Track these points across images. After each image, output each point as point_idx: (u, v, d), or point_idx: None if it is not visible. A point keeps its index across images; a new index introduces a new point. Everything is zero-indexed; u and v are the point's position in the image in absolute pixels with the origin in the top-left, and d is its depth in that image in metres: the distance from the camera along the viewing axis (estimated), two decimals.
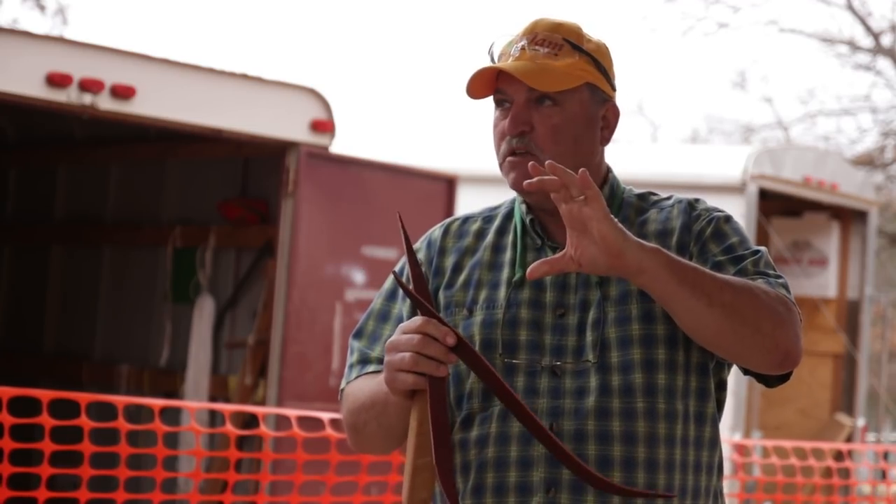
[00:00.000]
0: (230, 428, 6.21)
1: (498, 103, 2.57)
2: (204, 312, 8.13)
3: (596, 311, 2.49)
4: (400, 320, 2.58)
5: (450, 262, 2.62)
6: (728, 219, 2.56)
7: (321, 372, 7.49)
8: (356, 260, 7.69)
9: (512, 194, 2.63)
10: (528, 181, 2.32)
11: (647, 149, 15.58)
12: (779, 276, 2.49)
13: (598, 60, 2.56)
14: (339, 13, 47.92)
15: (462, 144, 11.60)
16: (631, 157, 10.49)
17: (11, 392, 5.49)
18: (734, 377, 7.86)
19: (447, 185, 8.05)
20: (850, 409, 11.03)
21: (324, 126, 7.55)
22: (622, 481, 2.43)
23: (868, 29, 21.73)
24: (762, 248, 2.54)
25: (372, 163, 7.89)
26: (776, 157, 10.19)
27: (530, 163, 2.33)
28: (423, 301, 2.39)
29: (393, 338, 2.38)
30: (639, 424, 2.46)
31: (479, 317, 2.54)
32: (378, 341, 2.61)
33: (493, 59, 2.60)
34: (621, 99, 2.64)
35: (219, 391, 7.98)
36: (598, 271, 2.33)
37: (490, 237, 2.63)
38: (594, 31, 2.62)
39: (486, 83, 2.55)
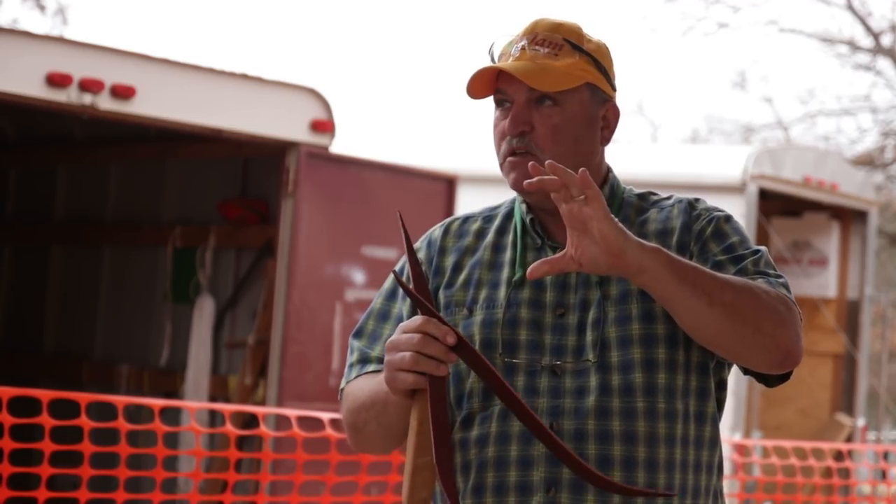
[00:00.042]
0: (230, 428, 6.21)
1: (498, 103, 2.57)
2: (204, 312, 8.13)
3: (596, 310, 2.50)
4: (400, 320, 2.58)
5: (450, 261, 2.62)
6: (728, 218, 2.56)
7: (321, 372, 7.49)
8: (356, 260, 7.69)
9: (512, 194, 2.63)
10: (529, 181, 2.32)
11: (647, 149, 15.58)
12: (779, 276, 2.49)
13: (598, 60, 2.57)
14: (339, 13, 47.93)
15: (462, 144, 11.60)
16: (631, 157, 10.49)
17: (11, 392, 5.49)
18: (734, 377, 7.86)
19: (447, 185, 8.05)
20: (850, 409, 11.03)
21: (324, 126, 7.55)
22: (622, 481, 2.43)
23: (868, 29, 21.74)
24: (762, 248, 2.54)
25: (372, 163, 7.89)
26: (776, 157, 10.19)
27: (530, 163, 2.33)
28: (423, 300, 2.39)
29: (393, 337, 2.38)
30: (639, 424, 2.46)
31: (479, 316, 2.54)
32: (378, 341, 2.62)
33: (493, 59, 2.60)
34: (621, 99, 2.64)
35: (219, 391, 7.98)
36: (598, 271, 2.33)
37: (490, 237, 2.63)
38: (594, 31, 2.62)
39: (487, 83, 2.55)
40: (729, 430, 9.21)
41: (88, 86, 6.75)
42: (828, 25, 30.60)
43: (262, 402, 7.46)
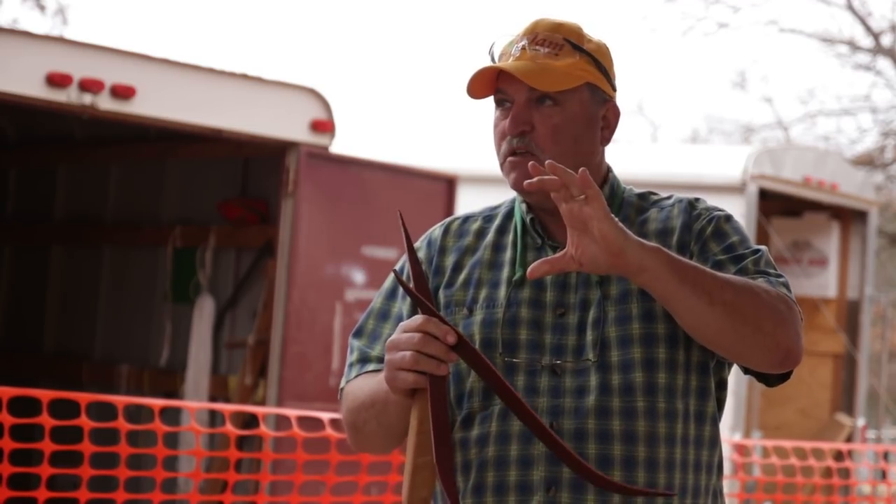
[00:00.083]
0: (230, 428, 6.21)
1: (498, 103, 2.57)
2: (204, 312, 8.13)
3: (596, 310, 2.50)
4: (400, 319, 2.58)
5: (450, 261, 2.62)
6: (728, 218, 2.56)
7: (321, 372, 7.49)
8: (356, 260, 7.69)
9: (512, 194, 2.63)
10: (529, 181, 2.32)
11: (647, 149, 15.58)
12: (779, 275, 2.49)
13: (598, 60, 2.57)
14: (339, 13, 47.94)
15: (462, 144, 11.60)
16: (631, 157, 10.49)
17: (11, 392, 5.49)
18: (734, 377, 7.84)
19: (447, 185, 8.05)
20: (850, 409, 11.03)
21: (324, 126, 7.55)
22: (622, 480, 2.43)
23: (868, 29, 21.74)
24: (762, 247, 2.54)
25: (372, 163, 7.89)
26: (776, 157, 10.19)
27: (530, 163, 2.33)
28: (423, 299, 2.39)
29: (393, 336, 2.38)
30: (639, 423, 2.46)
31: (479, 316, 2.54)
32: (378, 340, 2.62)
33: (493, 59, 2.60)
34: (621, 99, 2.64)
35: (219, 391, 7.98)
36: (598, 270, 2.33)
37: (490, 236, 2.63)
38: (594, 31, 2.62)
39: (487, 83, 2.55)
40: (729, 430, 9.21)
41: (88, 86, 6.75)
42: (828, 25, 30.62)
43: (262, 402, 7.46)
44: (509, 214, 2.64)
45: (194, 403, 6.93)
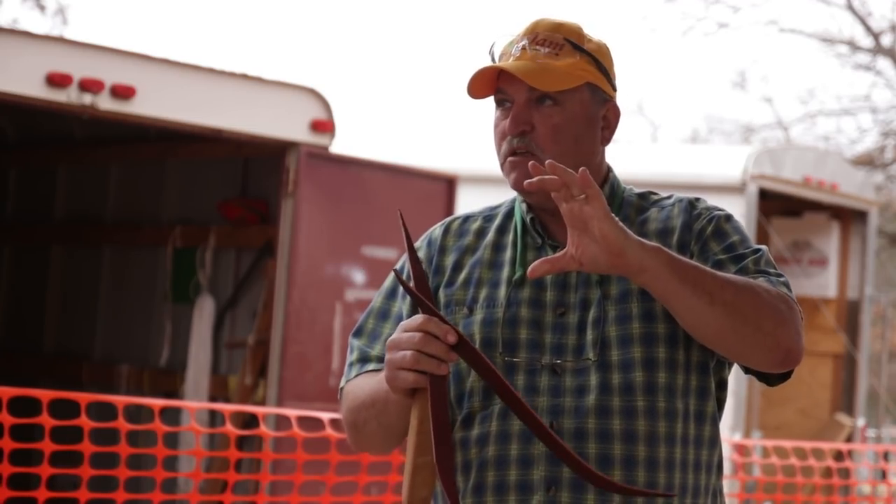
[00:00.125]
0: (230, 428, 6.21)
1: (499, 103, 2.57)
2: (204, 312, 8.13)
3: (596, 309, 2.50)
4: (400, 319, 2.58)
5: (450, 260, 2.62)
6: (729, 218, 2.56)
7: (321, 372, 7.49)
8: (356, 260, 7.69)
9: (512, 194, 2.63)
10: (529, 181, 2.32)
11: (647, 149, 15.58)
12: (780, 275, 2.49)
13: (598, 60, 2.57)
14: (339, 13, 47.93)
15: (462, 144, 11.60)
16: (631, 157, 10.49)
17: (11, 392, 5.49)
18: (734, 377, 7.85)
19: (447, 185, 8.05)
20: (850, 409, 11.03)
21: (324, 126, 7.55)
22: (622, 480, 2.43)
23: (868, 29, 21.74)
24: (763, 247, 2.54)
25: (372, 163, 7.89)
26: (776, 157, 10.19)
27: (531, 162, 2.33)
28: (423, 299, 2.39)
29: (394, 336, 2.38)
30: (639, 423, 2.46)
31: (479, 315, 2.54)
32: (378, 339, 2.62)
33: (493, 59, 2.60)
34: (621, 99, 2.64)
35: (219, 391, 7.98)
36: (599, 270, 2.33)
37: (490, 236, 2.63)
38: (594, 31, 2.62)
39: (487, 83, 2.55)
40: (729, 430, 9.21)
41: (88, 86, 6.75)
42: (828, 25, 30.62)
43: (262, 402, 7.46)
44: (509, 214, 2.64)
45: (194, 403, 6.93)
